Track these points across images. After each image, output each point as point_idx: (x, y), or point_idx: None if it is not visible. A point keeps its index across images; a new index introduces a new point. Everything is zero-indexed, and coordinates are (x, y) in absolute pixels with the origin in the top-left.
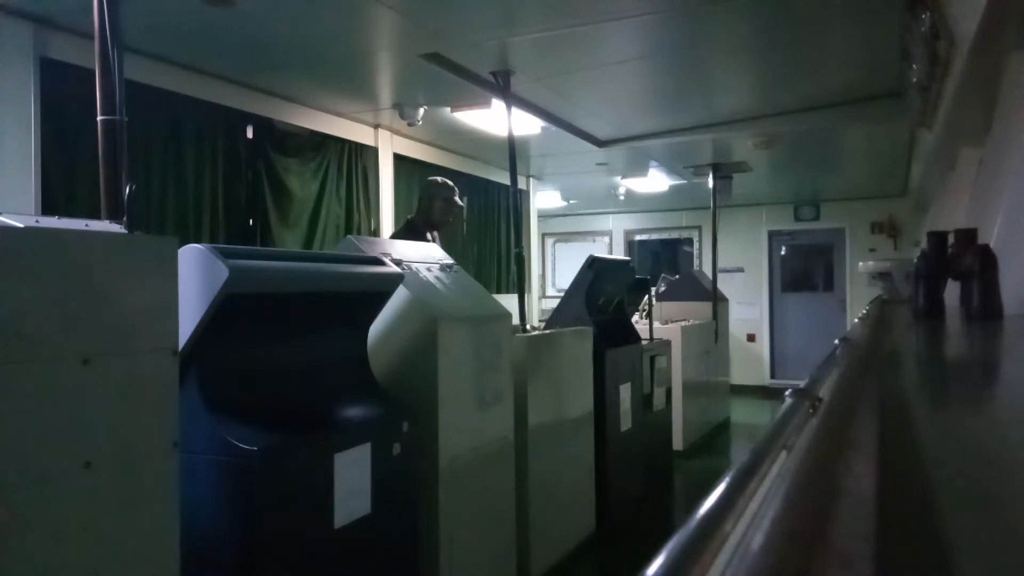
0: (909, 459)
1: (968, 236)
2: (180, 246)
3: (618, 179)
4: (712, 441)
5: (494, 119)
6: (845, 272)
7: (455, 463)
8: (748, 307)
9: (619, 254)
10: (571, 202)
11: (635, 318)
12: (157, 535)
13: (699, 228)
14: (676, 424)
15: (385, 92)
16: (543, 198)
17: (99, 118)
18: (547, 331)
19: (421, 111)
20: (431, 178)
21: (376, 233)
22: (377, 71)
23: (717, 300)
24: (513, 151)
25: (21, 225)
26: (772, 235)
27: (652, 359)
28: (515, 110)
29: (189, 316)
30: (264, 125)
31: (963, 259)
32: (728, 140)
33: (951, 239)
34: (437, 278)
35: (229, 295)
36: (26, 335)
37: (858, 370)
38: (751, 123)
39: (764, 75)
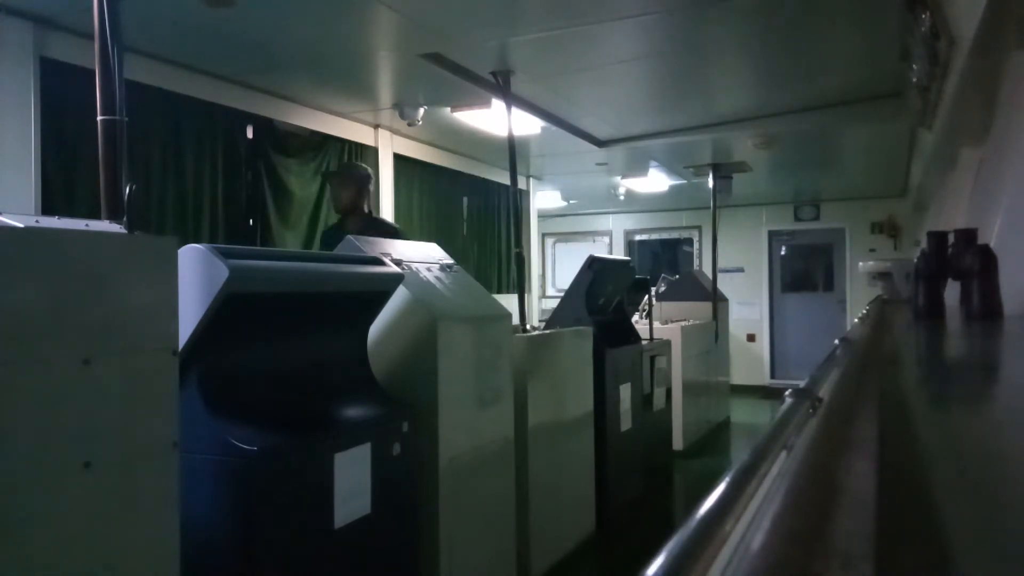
0: (909, 459)
1: (968, 236)
2: (180, 246)
3: (618, 179)
4: (712, 441)
5: (494, 119)
6: (845, 272)
7: (455, 463)
8: (748, 307)
9: (619, 254)
10: (571, 202)
11: (635, 318)
12: (157, 535)
13: (699, 228)
14: (676, 424)
15: (385, 92)
16: (543, 198)
17: (99, 118)
18: (547, 331)
19: (421, 111)
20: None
21: None
22: (377, 71)
23: (717, 300)
24: (513, 151)
25: (21, 225)
26: (772, 235)
27: (652, 359)
28: (515, 110)
29: (189, 316)
30: (264, 125)
31: (963, 259)
32: (728, 140)
33: (951, 239)
34: (437, 278)
35: (229, 295)
36: (26, 335)
37: (858, 370)
38: (751, 123)
39: (764, 75)
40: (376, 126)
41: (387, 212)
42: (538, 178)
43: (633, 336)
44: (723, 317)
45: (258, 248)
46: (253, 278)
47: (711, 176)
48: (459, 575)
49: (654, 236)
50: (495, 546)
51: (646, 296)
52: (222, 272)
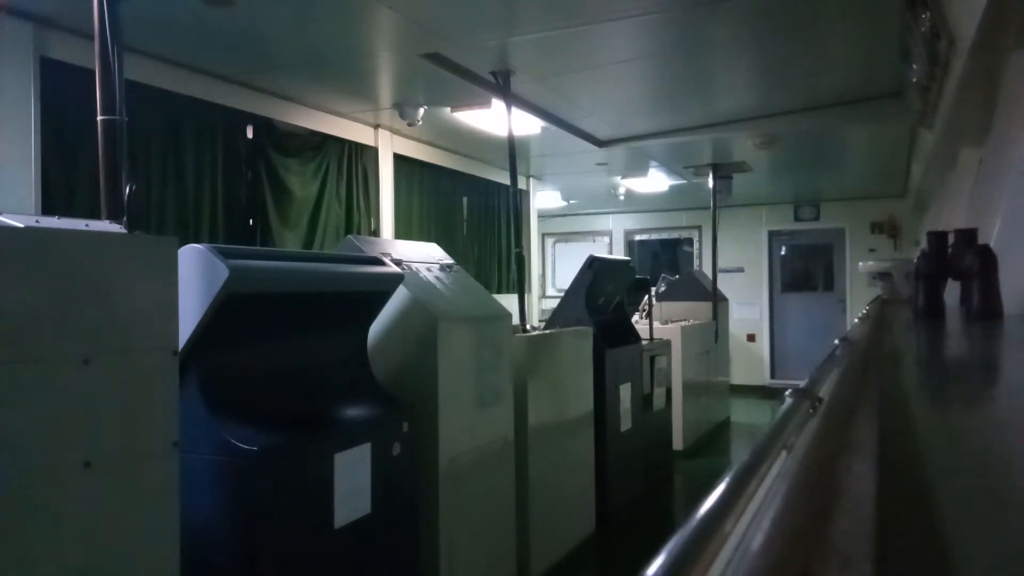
0: (909, 459)
1: (968, 236)
2: (180, 246)
3: (618, 179)
4: (712, 441)
5: (494, 119)
6: (845, 272)
7: (455, 463)
8: (748, 307)
9: (619, 254)
10: (571, 202)
11: (635, 318)
12: (157, 535)
13: (699, 228)
14: (676, 424)
15: (385, 92)
16: (543, 198)
17: (99, 118)
18: (547, 331)
19: (421, 111)
20: None
21: (376, 233)
22: (377, 71)
23: (717, 300)
24: (513, 151)
25: (21, 225)
26: (772, 235)
27: (652, 359)
28: (515, 110)
29: (189, 316)
30: (264, 125)
31: (963, 259)
32: (728, 140)
33: (951, 239)
34: (437, 278)
35: (229, 295)
36: (26, 335)
37: (858, 370)
38: (751, 123)
39: (764, 75)
40: (376, 126)
41: (387, 212)
42: (538, 178)
43: (633, 336)
44: (723, 317)
45: (258, 248)
46: (253, 278)
47: (711, 176)
48: (459, 575)
49: (654, 236)
50: (495, 546)
51: (646, 296)
52: (222, 272)
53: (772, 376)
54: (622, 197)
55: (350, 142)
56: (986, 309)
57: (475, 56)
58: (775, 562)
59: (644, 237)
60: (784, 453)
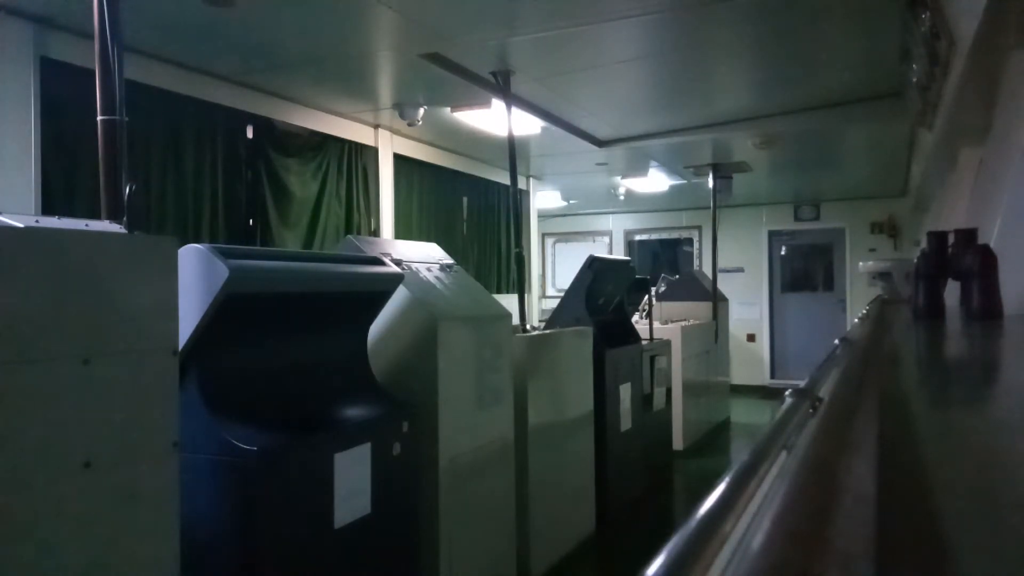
0: (909, 459)
1: (968, 236)
2: (180, 246)
3: (618, 179)
4: (712, 441)
5: (494, 119)
6: (845, 272)
7: (455, 463)
8: (748, 307)
9: (619, 254)
10: (571, 202)
11: (635, 318)
12: (157, 535)
13: (699, 228)
14: (676, 424)
15: (385, 92)
16: (543, 198)
17: (99, 118)
18: (547, 331)
19: (421, 111)
20: None
21: (376, 233)
22: (377, 71)
23: (717, 300)
24: (513, 151)
25: (21, 225)
26: (772, 235)
27: (652, 359)
28: (515, 110)
29: (189, 316)
30: (264, 125)
31: (963, 259)
32: (728, 140)
33: (951, 239)
34: (437, 278)
35: (229, 295)
36: (26, 335)
37: (858, 370)
38: (751, 123)
39: (764, 75)
40: (376, 126)
41: (387, 212)
42: (538, 178)
43: (633, 336)
44: (723, 317)
45: (258, 248)
46: (253, 278)
47: (711, 176)
48: (459, 575)
49: (654, 236)
50: (495, 546)
51: (646, 296)
52: (222, 272)
53: (772, 376)
54: (622, 197)
55: (350, 142)
56: (986, 309)
57: (475, 56)
58: (775, 562)
59: (644, 237)
60: (784, 453)
